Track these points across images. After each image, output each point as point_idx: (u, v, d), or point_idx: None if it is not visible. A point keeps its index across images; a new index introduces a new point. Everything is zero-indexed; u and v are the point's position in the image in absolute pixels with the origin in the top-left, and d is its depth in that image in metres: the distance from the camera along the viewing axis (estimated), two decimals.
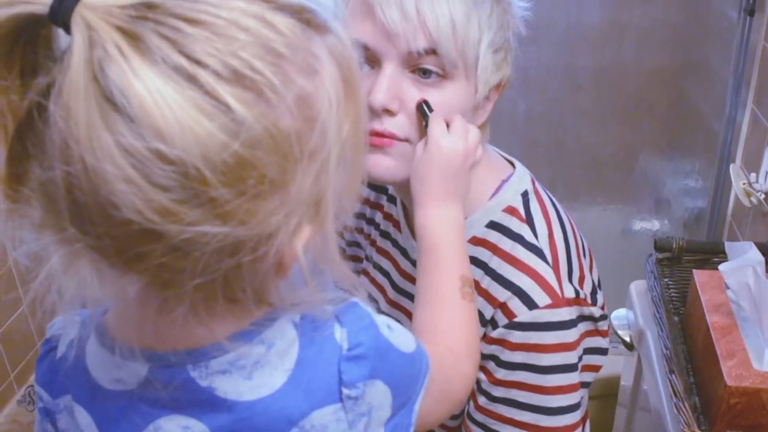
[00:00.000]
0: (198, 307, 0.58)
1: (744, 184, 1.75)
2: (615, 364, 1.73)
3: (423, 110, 0.90)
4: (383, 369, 0.66)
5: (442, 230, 0.89)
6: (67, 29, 0.48)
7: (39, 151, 0.50)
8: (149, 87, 0.46)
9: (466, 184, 0.92)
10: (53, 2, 0.48)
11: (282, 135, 0.51)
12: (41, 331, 1.57)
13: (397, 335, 0.69)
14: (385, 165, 0.92)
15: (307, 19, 0.55)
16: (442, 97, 0.90)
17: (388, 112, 0.89)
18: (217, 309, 0.59)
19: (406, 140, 0.91)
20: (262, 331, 0.63)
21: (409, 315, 1.09)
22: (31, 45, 0.51)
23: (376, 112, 0.89)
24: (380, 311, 1.15)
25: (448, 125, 0.90)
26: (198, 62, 0.48)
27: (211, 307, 0.58)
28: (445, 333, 0.84)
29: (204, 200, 0.49)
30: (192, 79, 0.48)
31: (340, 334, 0.65)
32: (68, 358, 0.68)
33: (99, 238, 0.50)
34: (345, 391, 0.64)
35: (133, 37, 0.47)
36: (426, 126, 0.90)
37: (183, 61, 0.47)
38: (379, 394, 0.66)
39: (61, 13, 0.48)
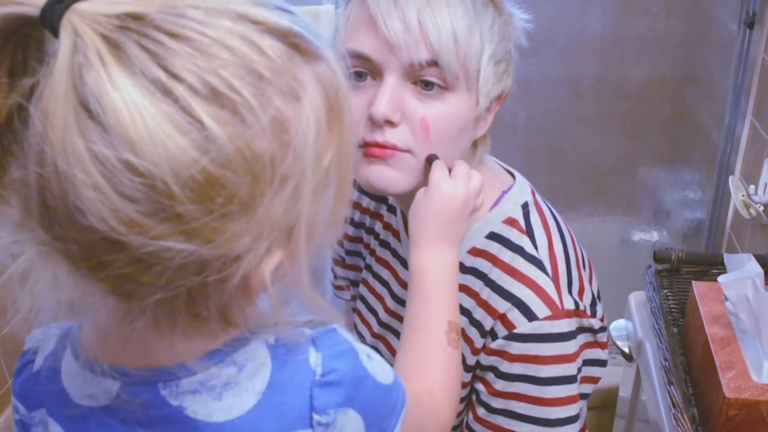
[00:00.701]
0: (161, 322, 0.57)
1: (743, 195, 1.75)
2: (614, 375, 1.73)
3: (430, 162, 0.91)
4: (357, 397, 0.65)
5: (436, 273, 0.89)
6: (56, 33, 0.48)
7: (17, 151, 0.51)
8: (125, 97, 0.46)
9: (465, 229, 0.92)
10: (44, 5, 0.48)
11: (255, 157, 0.50)
12: None
13: (376, 365, 0.68)
14: (386, 176, 0.92)
15: (295, 45, 0.55)
16: (443, 108, 0.90)
17: (390, 124, 0.90)
18: (183, 326, 0.58)
19: (408, 151, 0.91)
20: (233, 352, 0.62)
21: None
22: (22, 46, 0.51)
23: (377, 124, 0.89)
24: (379, 321, 1.16)
25: (450, 170, 0.91)
26: (176, 77, 0.48)
27: (175, 323, 0.57)
28: (426, 375, 0.83)
29: (170, 215, 0.49)
30: (168, 93, 0.47)
31: (314, 358, 0.64)
32: (44, 371, 0.67)
33: (65, 242, 0.50)
34: (315, 417, 0.63)
35: (115, 47, 0.47)
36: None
37: (161, 75, 0.47)
38: (351, 423, 0.65)
39: (51, 17, 0.48)
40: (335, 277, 1.35)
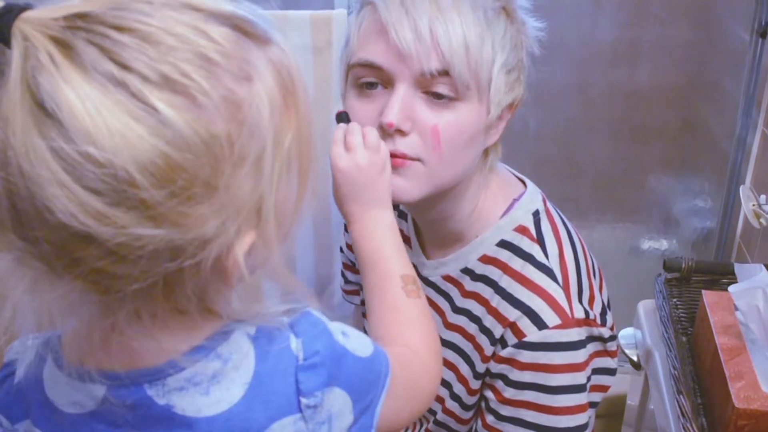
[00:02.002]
0: (141, 314, 0.58)
1: (754, 205, 1.74)
2: (621, 383, 1.72)
3: (338, 121, 0.92)
4: (340, 375, 0.66)
5: (372, 237, 0.89)
6: (8, 43, 0.49)
7: None
8: (79, 93, 0.48)
9: (384, 186, 0.91)
10: None
11: (211, 137, 0.52)
12: None
13: (353, 340, 0.70)
14: (396, 185, 0.92)
15: (243, 29, 0.57)
16: (454, 117, 0.90)
17: (400, 133, 0.90)
18: (164, 318, 0.59)
19: (418, 159, 0.91)
20: (216, 346, 0.63)
21: None
22: None
23: (388, 132, 0.89)
24: None
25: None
26: (126, 68, 0.49)
27: (155, 314, 0.59)
28: (398, 335, 0.84)
29: (135, 203, 0.50)
30: (121, 84, 0.49)
31: (295, 344, 0.65)
32: (26, 382, 0.67)
33: (37, 243, 0.51)
34: (303, 400, 0.64)
35: (65, 46, 0.49)
36: None
37: (112, 68, 0.49)
38: (337, 401, 0.67)
39: (1, 28, 0.49)
40: (345, 281, 1.35)
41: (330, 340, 0.67)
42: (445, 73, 0.87)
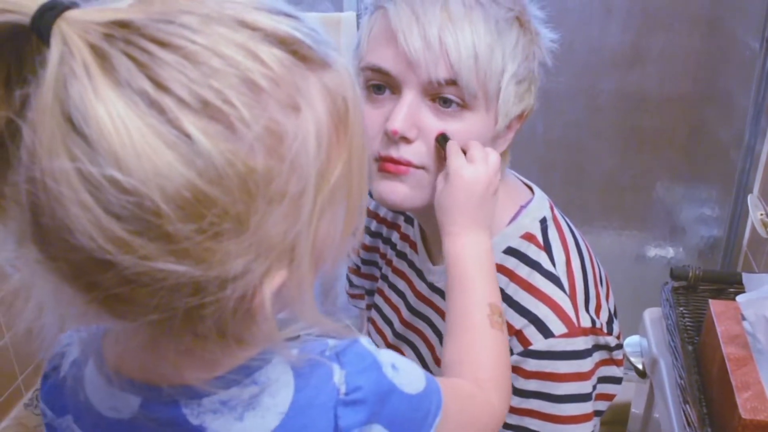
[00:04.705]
0: (159, 341, 0.55)
1: (761, 214, 1.74)
2: (626, 391, 1.71)
3: (441, 142, 0.90)
4: (383, 413, 0.63)
5: (470, 258, 0.88)
6: (48, 43, 0.46)
7: (11, 167, 0.49)
8: (110, 110, 0.44)
9: (492, 210, 0.91)
10: (35, 13, 0.46)
11: (248, 171, 0.48)
12: None
13: (403, 375, 0.66)
14: (400, 192, 0.92)
15: (299, 53, 0.52)
16: (460, 126, 0.90)
17: (406, 140, 0.90)
18: (183, 346, 0.56)
19: (422, 168, 0.91)
20: (254, 372, 0.61)
21: (422, 336, 1.10)
22: (17, 56, 0.49)
23: (393, 139, 0.89)
24: (394, 332, 1.15)
25: (464, 152, 0.90)
26: (163, 87, 0.46)
27: (171, 343, 0.56)
28: (472, 362, 0.82)
29: (159, 234, 0.46)
30: (155, 106, 0.45)
31: (338, 376, 0.62)
32: (69, 378, 0.66)
33: (56, 260, 0.49)
34: None
35: (101, 56, 0.45)
36: (445, 157, 0.90)
37: (147, 86, 0.45)
38: None
39: (41, 25, 0.46)
40: (350, 285, 1.35)
41: (377, 374, 0.64)
42: (452, 82, 0.87)
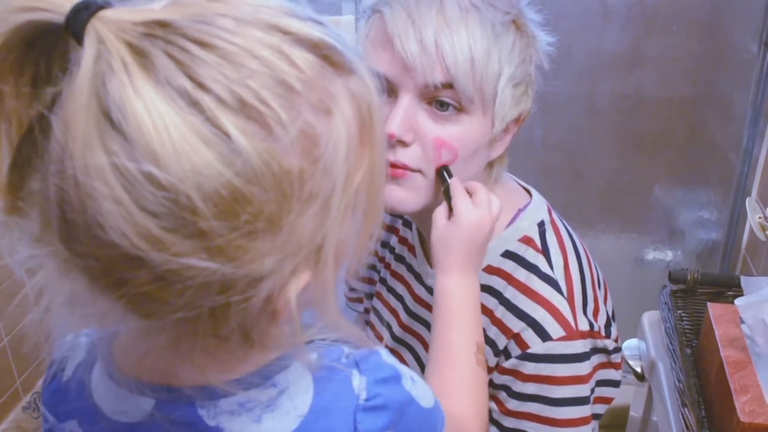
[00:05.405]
0: (181, 341, 0.55)
1: (760, 218, 1.74)
2: (625, 395, 1.71)
3: (442, 175, 0.91)
4: (401, 422, 0.64)
5: (463, 296, 0.89)
6: (80, 41, 0.46)
7: (39, 162, 0.49)
8: (149, 107, 0.45)
9: (485, 254, 0.93)
10: (69, 12, 0.47)
11: (283, 172, 0.49)
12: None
13: (419, 389, 0.67)
14: (397, 196, 0.92)
15: (329, 58, 0.53)
16: (457, 130, 0.90)
17: (402, 143, 0.90)
18: (205, 346, 0.56)
19: (419, 171, 0.91)
20: (273, 375, 0.61)
21: (421, 340, 1.10)
22: (46, 54, 0.50)
23: (389, 143, 0.89)
24: (393, 335, 1.15)
25: (469, 193, 0.91)
26: (202, 86, 0.46)
27: (195, 343, 0.55)
28: (457, 394, 0.84)
29: (193, 231, 0.47)
30: (194, 104, 0.46)
31: (358, 382, 0.63)
32: (74, 382, 0.66)
33: (84, 257, 0.49)
34: None
35: (140, 54, 0.46)
36: (445, 191, 0.91)
37: (187, 84, 0.46)
38: None
39: (76, 24, 0.46)
40: (349, 289, 1.35)
41: (398, 385, 0.65)
42: (449, 86, 0.87)
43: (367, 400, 0.62)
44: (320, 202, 0.52)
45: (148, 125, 0.45)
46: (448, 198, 0.91)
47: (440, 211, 0.92)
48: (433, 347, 0.89)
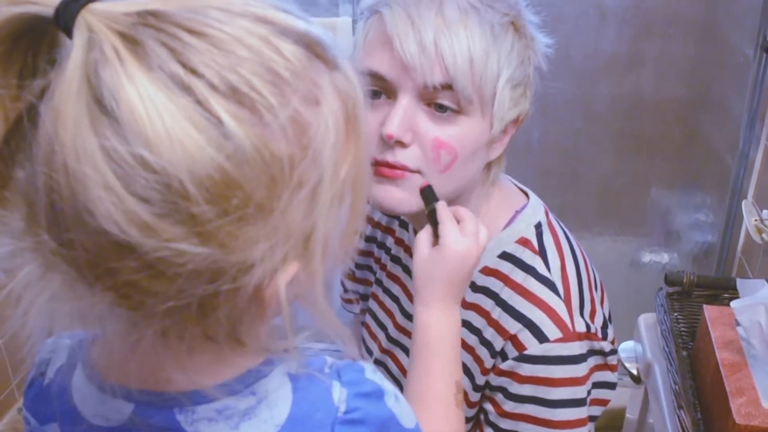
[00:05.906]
0: (169, 335, 0.55)
1: (756, 220, 1.74)
2: (621, 397, 1.72)
3: (427, 197, 0.89)
4: None
5: (445, 331, 0.87)
6: (70, 33, 0.47)
7: (25, 154, 0.49)
8: (141, 92, 0.45)
9: (468, 285, 0.91)
10: (59, 4, 0.47)
11: (273, 157, 0.49)
12: None
13: (402, 407, 0.66)
14: (395, 197, 0.92)
15: (316, 51, 0.54)
16: (456, 131, 0.90)
17: (401, 144, 0.89)
18: (191, 345, 0.56)
19: (418, 172, 0.91)
20: (253, 382, 0.61)
21: None
22: (33, 47, 0.50)
23: (388, 144, 0.89)
24: (388, 336, 1.15)
25: (457, 220, 0.89)
26: (194, 72, 0.47)
27: (184, 339, 0.55)
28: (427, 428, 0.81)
29: (184, 216, 0.47)
30: (186, 89, 0.46)
31: (338, 394, 0.62)
32: (55, 385, 0.65)
33: (72, 247, 0.48)
34: None
35: (132, 42, 0.46)
36: (429, 214, 0.89)
37: (179, 70, 0.46)
38: None
39: (65, 17, 0.47)
40: (345, 290, 1.35)
41: (380, 401, 0.64)
42: (448, 86, 0.87)
43: (346, 413, 0.62)
44: (308, 190, 0.52)
45: (140, 110, 0.45)
46: (434, 222, 0.89)
47: (424, 238, 0.90)
48: (412, 387, 0.87)
